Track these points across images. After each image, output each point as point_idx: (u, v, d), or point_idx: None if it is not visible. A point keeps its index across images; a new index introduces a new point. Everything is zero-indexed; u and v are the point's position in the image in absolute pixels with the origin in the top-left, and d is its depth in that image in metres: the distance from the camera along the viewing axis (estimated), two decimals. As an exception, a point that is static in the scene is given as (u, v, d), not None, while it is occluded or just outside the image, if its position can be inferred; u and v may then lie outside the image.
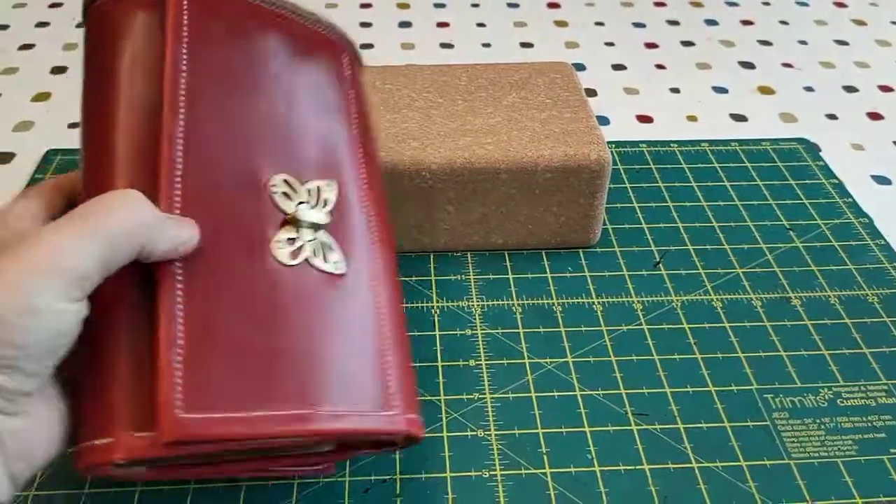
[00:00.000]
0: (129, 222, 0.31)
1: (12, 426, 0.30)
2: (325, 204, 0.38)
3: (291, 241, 0.36)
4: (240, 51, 0.40)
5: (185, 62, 0.37)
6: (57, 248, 0.29)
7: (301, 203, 0.37)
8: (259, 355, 0.33)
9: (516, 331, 0.50)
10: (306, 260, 0.36)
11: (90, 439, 0.32)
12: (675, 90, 0.75)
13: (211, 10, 0.39)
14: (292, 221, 0.37)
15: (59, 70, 0.76)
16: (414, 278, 0.54)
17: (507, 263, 0.55)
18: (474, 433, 0.44)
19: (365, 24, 0.84)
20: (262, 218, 0.36)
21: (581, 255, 0.56)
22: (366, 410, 0.34)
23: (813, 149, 0.67)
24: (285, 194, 0.37)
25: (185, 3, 0.38)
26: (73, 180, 0.37)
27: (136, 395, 0.32)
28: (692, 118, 0.71)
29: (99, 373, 0.32)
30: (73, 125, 0.68)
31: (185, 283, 0.33)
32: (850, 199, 0.62)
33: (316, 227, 0.37)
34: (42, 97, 0.72)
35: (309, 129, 0.40)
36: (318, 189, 0.39)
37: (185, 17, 0.38)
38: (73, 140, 0.66)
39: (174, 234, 0.32)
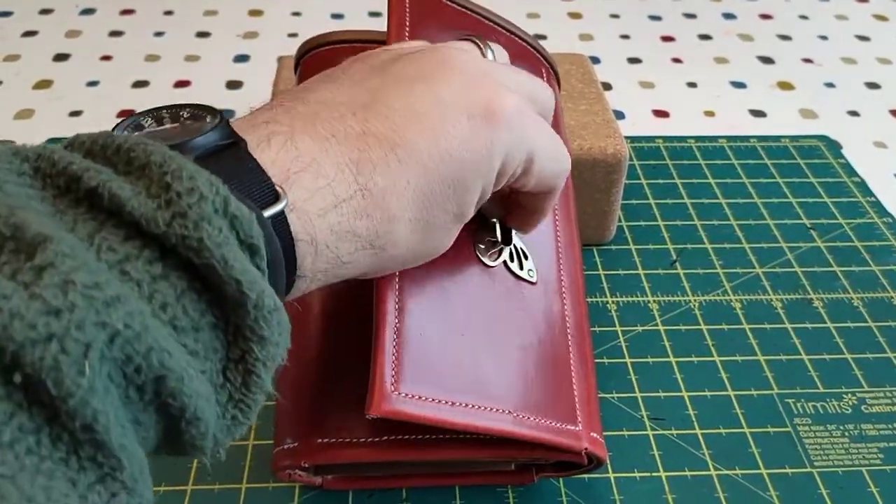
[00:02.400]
0: None
1: None
2: None
3: (492, 243, 0.37)
4: None
5: None
6: None
7: None
8: (462, 350, 0.33)
9: (527, 330, 0.48)
10: (504, 263, 0.37)
11: (280, 444, 0.35)
12: (692, 85, 0.73)
13: (430, 14, 0.41)
14: (493, 226, 0.37)
15: (61, 57, 0.74)
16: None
17: (519, 260, 0.53)
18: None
19: (374, 14, 0.82)
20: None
21: (595, 252, 0.54)
22: (552, 423, 0.34)
23: (834, 146, 0.65)
24: None
25: (407, 8, 0.39)
26: None
27: (321, 404, 0.34)
28: (709, 113, 0.69)
29: (289, 384, 0.36)
30: (74, 113, 0.67)
31: (400, 274, 0.33)
32: (873, 199, 0.60)
33: (512, 232, 0.38)
34: (44, 85, 0.70)
35: None
36: None
37: (407, 21, 0.39)
38: (74, 129, 0.65)
39: None
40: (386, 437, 0.34)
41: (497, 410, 0.33)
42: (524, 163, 0.31)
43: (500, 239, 0.37)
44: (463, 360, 0.33)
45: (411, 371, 0.31)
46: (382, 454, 0.33)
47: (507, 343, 0.35)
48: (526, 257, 0.38)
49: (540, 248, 0.39)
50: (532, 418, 0.33)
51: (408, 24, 0.39)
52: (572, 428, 0.34)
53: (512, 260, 0.37)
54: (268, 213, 0.23)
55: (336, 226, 0.26)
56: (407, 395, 0.31)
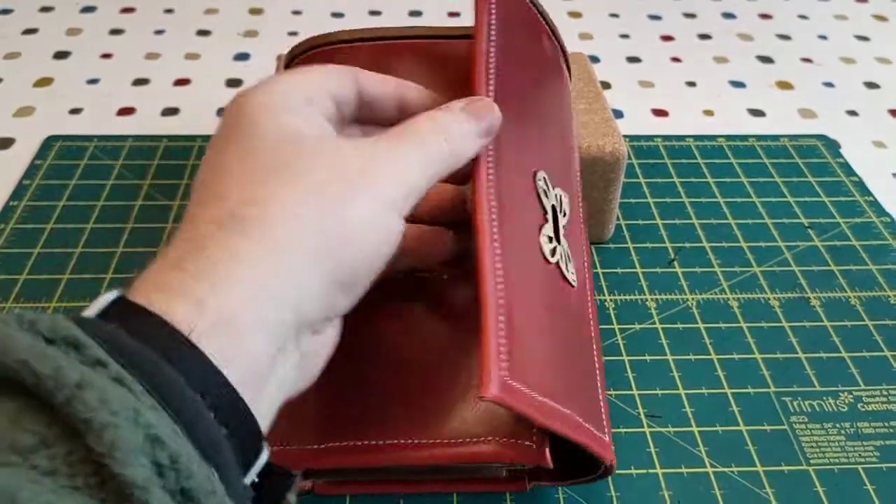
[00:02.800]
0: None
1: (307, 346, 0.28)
2: (566, 214, 0.38)
3: (550, 239, 0.36)
4: (524, 52, 0.39)
5: (492, 45, 0.36)
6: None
7: (553, 205, 0.37)
8: (539, 348, 0.31)
9: (525, 328, 0.49)
10: (557, 263, 0.36)
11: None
12: (692, 84, 0.73)
13: (508, 5, 0.39)
14: (548, 220, 0.36)
15: (61, 55, 0.75)
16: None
17: (517, 258, 0.53)
18: (481, 433, 0.43)
19: (374, 13, 0.83)
20: (533, 207, 0.35)
21: (593, 250, 0.54)
22: (594, 431, 0.33)
23: (833, 145, 0.65)
24: (544, 191, 0.36)
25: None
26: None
27: (303, 410, 0.34)
28: (708, 112, 0.69)
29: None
30: (74, 111, 0.67)
31: (503, 254, 0.31)
32: (871, 198, 0.60)
33: (560, 230, 0.37)
34: (44, 83, 0.70)
35: (553, 137, 0.40)
36: (561, 197, 0.38)
37: (494, 16, 0.37)
38: (73, 126, 0.65)
39: (469, 127, 0.32)
40: (325, 445, 0.34)
41: (567, 412, 0.31)
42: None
43: (553, 235, 0.36)
44: (541, 358, 0.32)
45: (514, 363, 0.29)
46: (324, 461, 0.33)
47: (566, 344, 0.34)
48: (570, 260, 0.37)
49: (575, 250, 0.38)
50: (586, 424, 0.32)
51: (494, 14, 0.37)
52: (603, 437, 0.34)
53: (562, 260, 0.36)
54: (91, 310, 0.23)
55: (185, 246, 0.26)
56: (516, 386, 0.29)
